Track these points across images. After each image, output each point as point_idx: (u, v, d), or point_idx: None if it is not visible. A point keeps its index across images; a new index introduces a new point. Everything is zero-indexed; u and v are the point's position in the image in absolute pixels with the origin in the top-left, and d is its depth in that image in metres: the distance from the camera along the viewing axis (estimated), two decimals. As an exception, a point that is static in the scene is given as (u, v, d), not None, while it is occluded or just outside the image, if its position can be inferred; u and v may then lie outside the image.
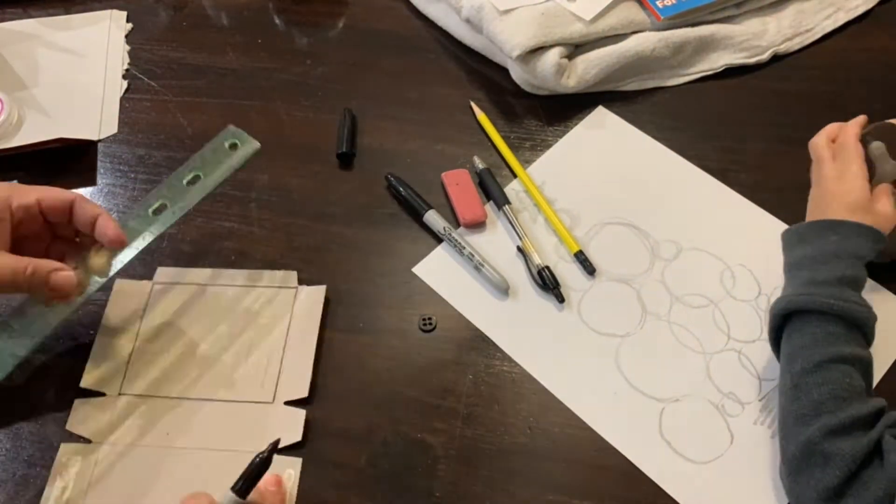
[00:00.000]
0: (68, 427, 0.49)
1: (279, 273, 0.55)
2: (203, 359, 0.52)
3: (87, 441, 0.49)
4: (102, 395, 0.51)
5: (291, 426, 0.49)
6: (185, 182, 0.53)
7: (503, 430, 0.50)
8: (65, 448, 0.49)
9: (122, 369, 0.52)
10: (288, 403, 0.50)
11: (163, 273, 0.56)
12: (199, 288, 0.55)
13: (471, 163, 0.61)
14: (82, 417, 0.50)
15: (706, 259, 0.57)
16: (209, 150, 0.55)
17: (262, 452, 0.41)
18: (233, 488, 0.40)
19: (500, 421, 0.50)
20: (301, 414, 0.50)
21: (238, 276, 0.56)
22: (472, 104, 0.65)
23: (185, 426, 0.49)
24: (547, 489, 0.48)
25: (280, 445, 0.43)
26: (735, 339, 0.53)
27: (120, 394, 0.51)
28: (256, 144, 0.55)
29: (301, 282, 0.55)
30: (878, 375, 0.51)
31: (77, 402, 0.50)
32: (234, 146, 0.55)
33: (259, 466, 0.41)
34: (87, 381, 0.51)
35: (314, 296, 0.54)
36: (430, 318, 0.54)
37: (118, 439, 0.49)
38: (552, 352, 0.53)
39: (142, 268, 0.56)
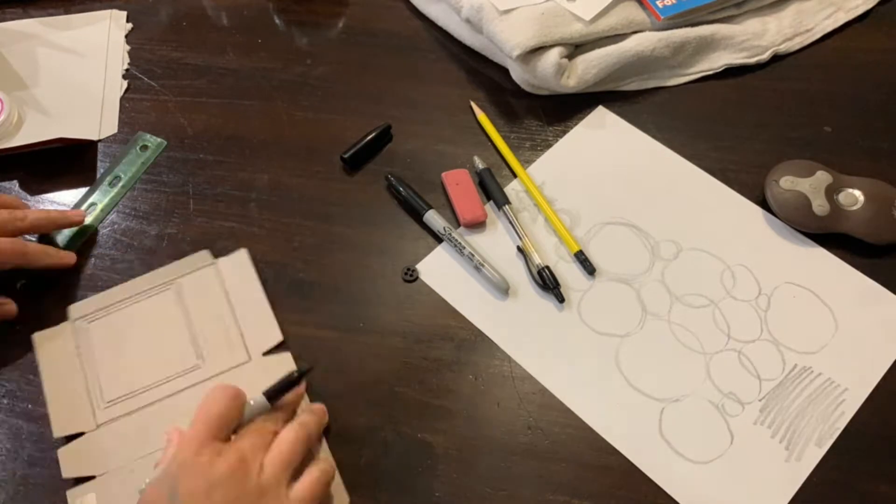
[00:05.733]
0: (65, 476, 0.47)
1: (191, 258, 0.56)
2: (162, 362, 0.52)
3: (91, 477, 0.47)
4: (81, 434, 0.49)
5: (282, 369, 0.48)
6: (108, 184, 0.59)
7: (503, 430, 0.50)
8: (72, 494, 0.47)
9: (86, 403, 0.50)
10: (267, 354, 0.52)
11: (77, 308, 0.54)
12: (123, 305, 0.54)
13: (471, 163, 0.61)
14: (73, 461, 0.48)
15: (706, 259, 0.57)
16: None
17: (297, 371, 0.45)
18: (264, 392, 0.44)
19: (500, 421, 0.50)
20: (287, 357, 0.51)
21: (154, 277, 0.55)
22: (473, 104, 0.65)
23: (178, 420, 0.47)
24: (547, 489, 0.48)
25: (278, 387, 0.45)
26: (735, 338, 0.53)
27: (97, 426, 0.49)
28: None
29: (299, 281, 0.56)
30: (878, 375, 0.51)
31: (60, 451, 0.48)
32: (144, 147, 0.62)
33: (290, 382, 0.45)
34: (59, 430, 0.49)
35: (236, 259, 0.56)
36: (412, 270, 0.56)
37: (120, 462, 0.48)
38: (552, 351, 0.53)
39: (142, 268, 0.56)
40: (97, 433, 0.49)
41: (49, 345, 0.53)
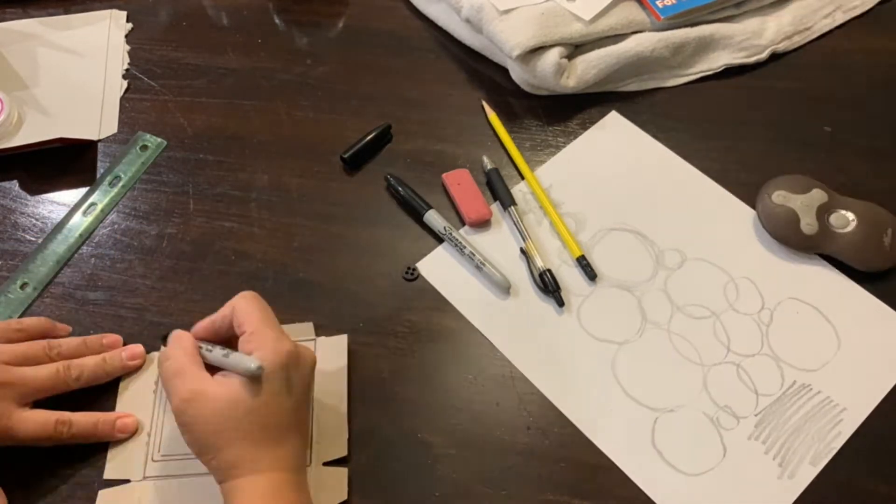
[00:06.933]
0: None
1: (294, 326, 0.53)
2: None
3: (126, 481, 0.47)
4: (126, 481, 0.47)
5: (335, 486, 0.47)
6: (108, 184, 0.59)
7: (503, 430, 0.50)
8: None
9: (142, 452, 0.48)
10: (327, 464, 0.48)
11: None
12: None
13: (479, 162, 0.61)
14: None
15: (710, 270, 0.56)
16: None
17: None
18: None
19: (501, 421, 0.50)
20: (343, 472, 0.47)
21: None
22: (484, 104, 0.65)
23: (215, 499, 0.43)
24: (547, 489, 0.48)
25: None
26: (735, 352, 0.53)
27: (144, 477, 0.47)
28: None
29: (299, 281, 0.56)
30: (878, 397, 0.51)
31: (101, 492, 0.47)
32: (144, 147, 0.62)
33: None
34: (110, 472, 0.48)
35: (336, 347, 0.52)
36: (412, 269, 0.56)
37: None
38: (549, 355, 0.53)
39: (142, 267, 0.57)
40: (140, 485, 0.47)
41: (131, 384, 0.51)
